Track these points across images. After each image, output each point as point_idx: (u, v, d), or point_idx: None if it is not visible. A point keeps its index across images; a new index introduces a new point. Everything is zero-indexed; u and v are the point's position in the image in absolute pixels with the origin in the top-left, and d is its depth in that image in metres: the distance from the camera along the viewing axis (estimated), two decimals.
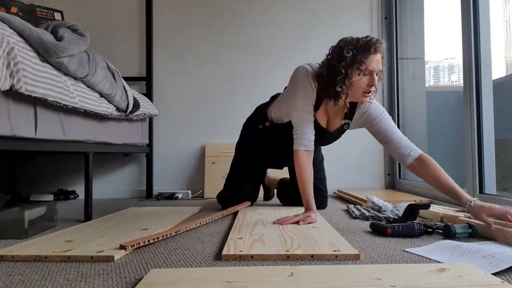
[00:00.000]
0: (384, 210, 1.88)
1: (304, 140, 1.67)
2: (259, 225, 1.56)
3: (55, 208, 1.71)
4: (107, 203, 2.54)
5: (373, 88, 1.56)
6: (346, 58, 1.52)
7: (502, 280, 0.87)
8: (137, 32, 3.09)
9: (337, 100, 1.61)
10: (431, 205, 1.72)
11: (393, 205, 1.90)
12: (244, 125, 2.21)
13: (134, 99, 2.31)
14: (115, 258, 1.14)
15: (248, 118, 2.19)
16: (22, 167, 3.03)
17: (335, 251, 1.12)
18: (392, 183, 3.02)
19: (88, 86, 1.82)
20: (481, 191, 1.85)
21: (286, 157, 1.88)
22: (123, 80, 2.17)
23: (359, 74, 1.54)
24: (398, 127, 2.95)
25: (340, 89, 1.56)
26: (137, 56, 3.08)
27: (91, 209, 1.90)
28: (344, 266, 1.01)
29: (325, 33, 3.07)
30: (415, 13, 3.07)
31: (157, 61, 3.07)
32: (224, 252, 1.12)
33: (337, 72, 1.55)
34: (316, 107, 1.71)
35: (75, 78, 1.71)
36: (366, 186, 2.97)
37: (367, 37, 1.54)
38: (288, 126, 1.77)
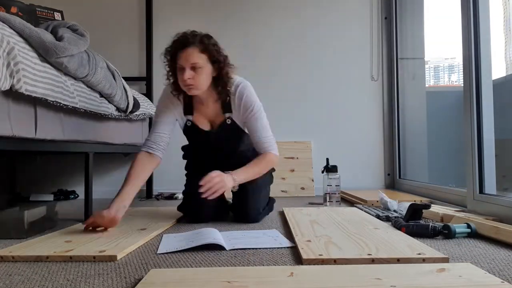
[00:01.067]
0: (389, 209, 1.89)
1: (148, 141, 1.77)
2: (318, 227, 1.51)
3: (55, 208, 1.71)
4: (107, 203, 2.53)
5: (187, 81, 1.62)
6: (167, 56, 1.72)
7: (502, 280, 0.87)
8: (137, 32, 3.09)
9: (178, 92, 1.73)
10: (431, 205, 1.73)
11: (398, 203, 1.91)
12: None
13: (134, 99, 2.31)
14: (118, 258, 1.14)
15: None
16: (22, 167, 3.02)
17: (419, 254, 1.08)
18: (392, 183, 3.02)
19: (88, 86, 1.82)
20: (481, 191, 1.84)
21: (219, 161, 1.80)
22: (123, 80, 2.17)
23: (177, 69, 1.67)
24: (398, 127, 3.00)
25: (171, 79, 1.74)
26: (137, 56, 3.08)
27: (91, 209, 1.90)
28: (344, 266, 1.01)
29: (324, 33, 3.08)
30: (415, 13, 3.07)
31: (157, 61, 3.06)
32: (304, 256, 1.08)
33: (169, 68, 1.74)
34: (190, 112, 1.79)
35: (75, 78, 1.71)
36: (366, 186, 2.97)
37: (177, 35, 1.70)
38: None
